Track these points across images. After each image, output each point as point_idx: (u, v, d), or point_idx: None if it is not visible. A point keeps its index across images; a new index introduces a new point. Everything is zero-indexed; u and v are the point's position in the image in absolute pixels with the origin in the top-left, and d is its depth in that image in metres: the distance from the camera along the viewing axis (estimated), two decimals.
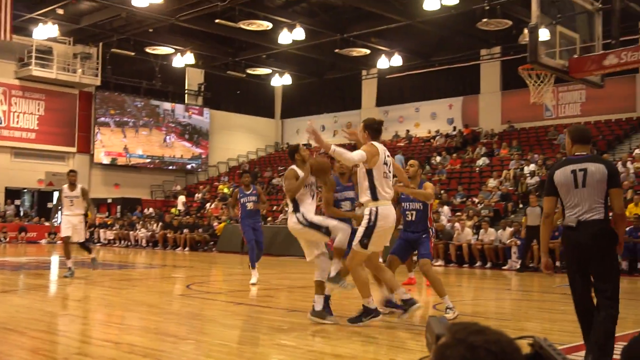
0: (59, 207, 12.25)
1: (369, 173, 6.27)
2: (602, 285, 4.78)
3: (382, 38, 27.68)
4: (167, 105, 34.04)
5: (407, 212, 7.64)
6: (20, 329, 6.47)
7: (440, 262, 17.86)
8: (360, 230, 6.34)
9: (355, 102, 34.57)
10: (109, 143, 31.83)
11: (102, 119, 31.71)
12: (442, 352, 1.42)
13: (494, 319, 8.00)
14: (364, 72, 33.52)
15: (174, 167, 34.26)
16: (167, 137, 33.92)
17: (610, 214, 4.92)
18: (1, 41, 24.13)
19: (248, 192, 11.81)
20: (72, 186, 12.02)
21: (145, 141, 33.19)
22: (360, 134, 6.56)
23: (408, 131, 31.45)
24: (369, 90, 33.98)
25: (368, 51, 28.66)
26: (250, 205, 11.70)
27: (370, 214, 6.28)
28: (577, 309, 4.91)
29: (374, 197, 6.25)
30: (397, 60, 28.42)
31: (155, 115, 33.64)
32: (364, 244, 6.29)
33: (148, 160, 33.19)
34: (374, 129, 6.52)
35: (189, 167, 34.75)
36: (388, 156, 6.46)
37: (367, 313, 6.68)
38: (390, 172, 6.44)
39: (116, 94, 32.12)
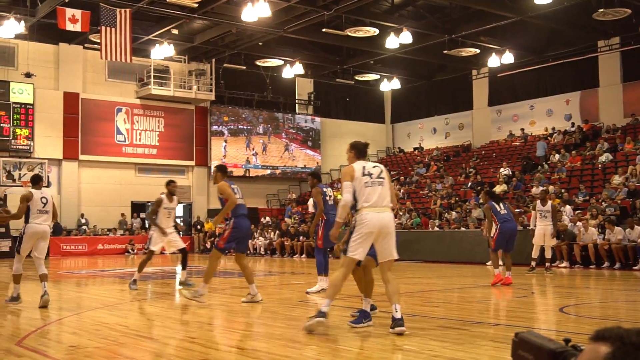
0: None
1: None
2: None
3: (492, 36, 27.07)
4: (287, 114, 34.83)
5: None
6: (152, 336, 6.76)
7: (565, 264, 17.18)
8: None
9: (467, 103, 34.00)
10: (223, 155, 32.81)
11: (218, 131, 32.76)
12: None
13: (625, 322, 7.59)
14: (474, 72, 32.89)
15: (290, 176, 34.88)
16: (289, 147, 34.70)
17: None
18: (122, 63, 25.48)
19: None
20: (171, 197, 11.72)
21: (264, 151, 34.02)
22: (347, 154, 7.09)
23: (523, 130, 30.55)
24: (480, 90, 33.30)
25: (478, 50, 28.13)
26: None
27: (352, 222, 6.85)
28: None
29: (355, 207, 6.76)
30: (508, 57, 27.71)
31: (274, 124, 34.45)
32: (343, 249, 6.75)
33: (264, 170, 33.96)
34: (358, 149, 7.02)
35: (303, 175, 35.27)
36: (374, 167, 6.88)
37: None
38: (374, 181, 6.74)
39: (230, 107, 33.13)
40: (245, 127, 33.61)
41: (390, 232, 6.68)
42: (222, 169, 9.30)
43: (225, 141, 32.92)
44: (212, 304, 10.10)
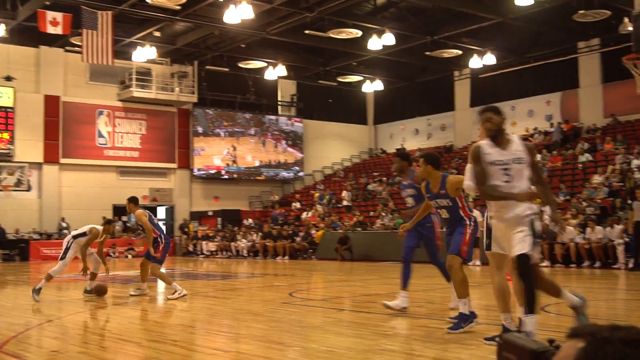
0: None
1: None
2: None
3: (474, 37, 27.23)
4: (270, 117, 34.77)
5: (439, 211, 7.30)
6: (135, 339, 6.73)
7: (546, 263, 17.30)
8: None
9: (449, 104, 34.14)
10: (207, 157, 32.70)
11: (200, 133, 32.64)
12: (591, 356, 1.29)
13: (605, 320, 7.66)
14: (456, 73, 33.04)
15: (274, 177, 34.79)
16: (277, 145, 34.69)
17: None
18: (104, 66, 25.34)
19: (407, 184, 8.61)
20: None
21: (247, 150, 33.93)
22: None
23: None
24: (462, 90, 33.46)
25: (460, 52, 28.27)
26: (410, 201, 8.45)
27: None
28: None
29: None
30: (490, 59, 27.90)
31: (256, 125, 34.39)
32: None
33: (246, 171, 33.88)
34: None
35: (285, 175, 35.18)
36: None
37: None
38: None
39: (212, 109, 33.01)
40: (226, 129, 33.50)
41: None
42: (134, 200, 11.57)
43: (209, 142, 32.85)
44: (194, 307, 10.07)
